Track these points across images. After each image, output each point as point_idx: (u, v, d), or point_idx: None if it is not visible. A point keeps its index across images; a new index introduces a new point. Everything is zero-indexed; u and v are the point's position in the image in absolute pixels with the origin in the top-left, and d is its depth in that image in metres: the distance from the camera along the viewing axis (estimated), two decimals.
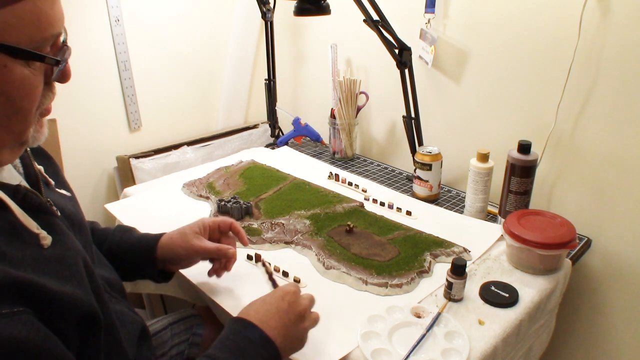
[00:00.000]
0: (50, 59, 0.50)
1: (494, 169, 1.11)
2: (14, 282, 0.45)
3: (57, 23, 0.50)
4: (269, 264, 0.93)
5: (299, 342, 0.69)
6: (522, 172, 1.03)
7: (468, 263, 0.94)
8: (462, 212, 1.17)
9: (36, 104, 0.52)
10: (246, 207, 1.13)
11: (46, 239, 0.53)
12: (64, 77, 0.54)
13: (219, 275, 0.87)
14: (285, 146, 1.60)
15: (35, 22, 0.47)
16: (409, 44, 1.20)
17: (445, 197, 1.28)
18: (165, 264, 0.84)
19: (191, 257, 0.82)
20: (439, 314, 0.80)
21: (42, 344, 0.45)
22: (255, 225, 1.09)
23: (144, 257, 0.82)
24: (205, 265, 0.88)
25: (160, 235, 0.84)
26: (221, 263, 0.87)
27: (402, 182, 1.36)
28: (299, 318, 0.68)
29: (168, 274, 0.87)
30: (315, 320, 0.72)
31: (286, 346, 0.66)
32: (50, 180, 0.64)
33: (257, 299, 0.70)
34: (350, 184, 1.30)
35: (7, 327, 0.43)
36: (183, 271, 0.91)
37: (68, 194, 0.68)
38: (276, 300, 0.68)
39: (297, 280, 0.90)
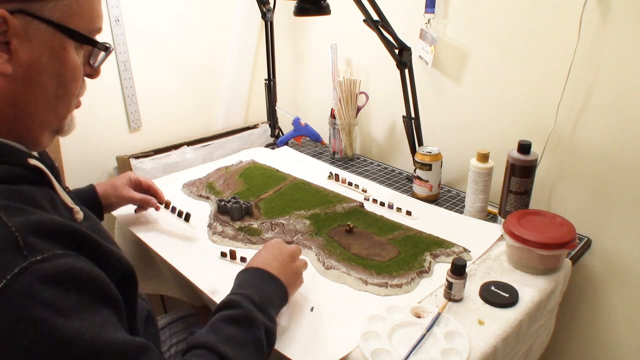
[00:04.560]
0: (101, 45, 0.57)
1: (494, 169, 1.11)
2: (74, 231, 0.51)
3: (101, 19, 0.58)
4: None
5: (297, 278, 0.82)
6: (522, 172, 1.03)
7: (468, 263, 0.94)
8: (462, 212, 1.17)
9: (78, 90, 0.58)
10: (246, 207, 1.13)
11: (79, 213, 0.59)
12: (96, 73, 0.61)
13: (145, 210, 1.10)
14: (285, 146, 1.60)
15: (89, 13, 0.54)
16: (409, 44, 1.20)
17: (445, 197, 1.27)
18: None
19: (121, 203, 1.04)
20: (439, 314, 0.80)
21: (105, 279, 0.51)
22: (255, 225, 1.09)
23: (90, 204, 0.96)
24: (210, 269, 0.88)
25: (93, 185, 1.00)
26: (145, 209, 1.10)
27: (402, 182, 1.36)
28: (290, 258, 0.81)
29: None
30: (305, 263, 0.84)
31: (289, 282, 0.77)
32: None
33: (252, 257, 0.81)
34: (350, 184, 1.30)
35: (78, 261, 0.49)
36: (183, 271, 0.92)
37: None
38: (268, 250, 0.81)
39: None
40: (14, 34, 0.49)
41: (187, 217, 1.07)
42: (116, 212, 1.18)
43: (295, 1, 1.13)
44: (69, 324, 0.44)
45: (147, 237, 1.04)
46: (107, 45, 0.58)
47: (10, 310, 0.42)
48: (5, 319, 0.42)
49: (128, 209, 1.11)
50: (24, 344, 0.42)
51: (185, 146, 1.57)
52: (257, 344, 0.65)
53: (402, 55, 1.20)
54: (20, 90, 0.52)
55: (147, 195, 1.06)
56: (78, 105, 0.61)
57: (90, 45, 0.56)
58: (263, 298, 0.70)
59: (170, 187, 1.28)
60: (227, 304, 0.68)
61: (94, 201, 0.97)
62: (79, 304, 0.46)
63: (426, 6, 1.27)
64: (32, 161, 0.54)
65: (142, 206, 1.09)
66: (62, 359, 0.44)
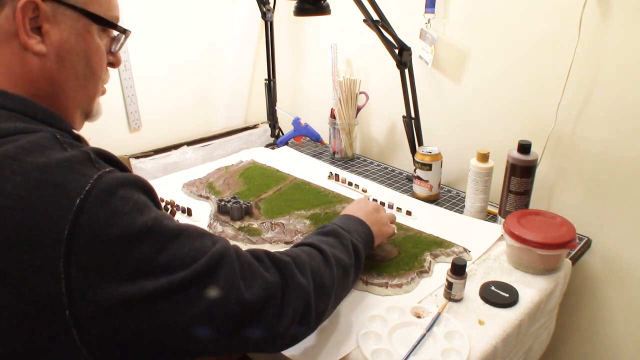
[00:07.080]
0: (121, 28, 0.64)
1: (494, 169, 1.11)
2: (127, 170, 0.57)
3: (117, 9, 0.64)
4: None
5: (382, 226, 0.90)
6: (522, 172, 1.03)
7: (468, 263, 0.94)
8: (462, 212, 1.17)
9: (103, 73, 0.65)
10: (246, 207, 1.13)
11: None
12: (117, 60, 0.68)
13: None
14: (285, 146, 1.60)
15: (107, 2, 0.61)
16: (409, 44, 1.20)
17: (445, 197, 1.27)
18: None
19: None
20: (439, 314, 0.80)
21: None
22: (255, 225, 1.09)
23: None
24: None
25: None
26: None
27: (402, 182, 1.36)
28: (375, 209, 0.91)
29: None
30: (392, 215, 0.97)
31: (375, 227, 0.87)
32: None
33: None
34: (350, 184, 1.30)
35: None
36: None
37: None
38: (352, 205, 0.91)
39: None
40: (45, 19, 0.56)
41: (190, 212, 1.06)
42: None
43: (295, 1, 1.13)
44: (146, 213, 0.51)
45: None
46: (126, 28, 0.64)
47: (99, 205, 0.48)
48: (97, 214, 0.47)
49: None
50: (116, 234, 0.48)
51: (185, 146, 1.57)
52: (347, 251, 0.75)
53: (402, 55, 1.20)
54: (55, 68, 0.58)
55: None
56: (104, 91, 0.68)
57: (110, 28, 0.62)
58: (350, 229, 0.80)
59: (170, 187, 1.28)
60: (316, 229, 0.79)
61: None
62: (149, 203, 0.54)
63: (426, 6, 1.27)
64: (75, 131, 0.62)
65: None
66: (150, 243, 0.50)
